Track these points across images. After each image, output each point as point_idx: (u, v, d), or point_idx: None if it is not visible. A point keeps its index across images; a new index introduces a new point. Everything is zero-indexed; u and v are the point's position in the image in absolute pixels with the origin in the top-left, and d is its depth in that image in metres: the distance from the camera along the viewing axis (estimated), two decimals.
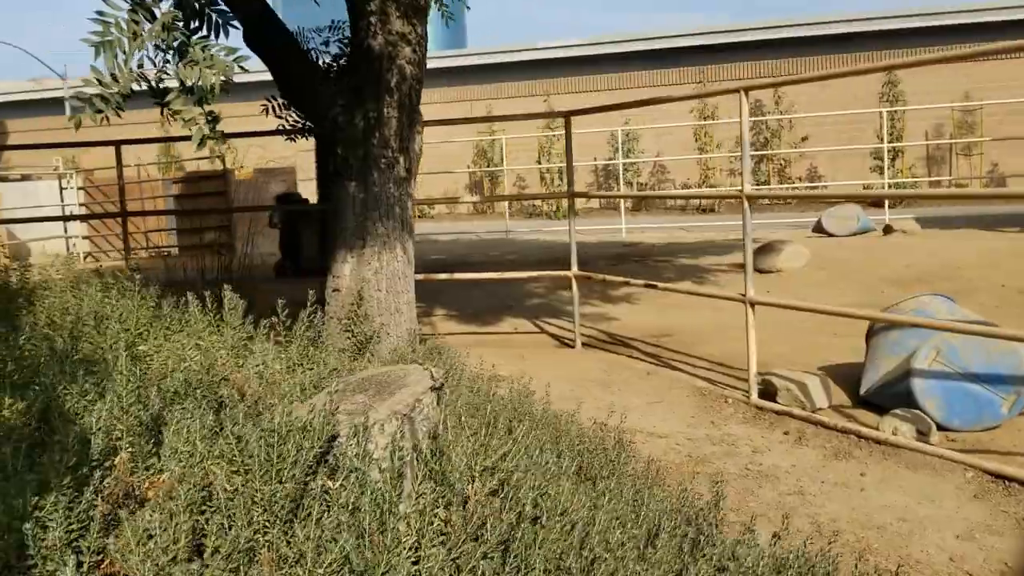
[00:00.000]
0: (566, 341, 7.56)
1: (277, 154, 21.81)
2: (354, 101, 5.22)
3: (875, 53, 21.47)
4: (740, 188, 5.88)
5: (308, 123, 5.53)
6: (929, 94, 20.36)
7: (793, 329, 7.50)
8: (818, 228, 14.27)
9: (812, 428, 5.37)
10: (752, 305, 5.89)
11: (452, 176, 23.04)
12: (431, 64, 26.01)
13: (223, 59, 3.36)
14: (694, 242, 14.56)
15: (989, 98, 19.13)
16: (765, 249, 10.80)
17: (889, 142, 20.77)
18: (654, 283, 6.67)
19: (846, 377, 6.04)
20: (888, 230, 12.68)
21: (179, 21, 3.44)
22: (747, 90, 5.66)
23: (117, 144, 8.03)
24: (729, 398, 5.95)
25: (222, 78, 3.35)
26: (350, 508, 2.23)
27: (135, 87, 3.47)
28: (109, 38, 3.36)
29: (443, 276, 7.31)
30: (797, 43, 22.47)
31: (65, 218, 11.77)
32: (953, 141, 20.53)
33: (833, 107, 20.60)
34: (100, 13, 3.39)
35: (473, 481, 2.42)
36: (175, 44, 3.54)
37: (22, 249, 18.81)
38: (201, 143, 3.43)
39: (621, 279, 7.24)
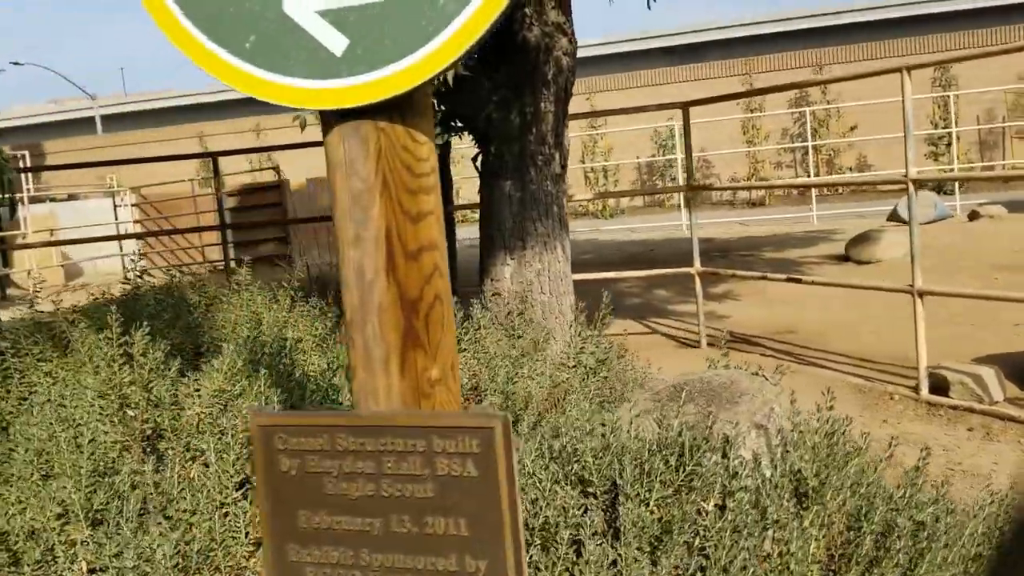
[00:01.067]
0: (686, 341, 7.31)
1: (323, 163, 21.63)
2: (510, 96, 4.99)
3: (924, 39, 21.13)
4: (905, 173, 5.63)
5: (457, 120, 5.30)
6: (980, 78, 19.99)
7: (928, 321, 7.22)
8: (894, 216, 13.95)
9: (999, 423, 5.10)
10: (921, 295, 5.63)
11: None
12: None
13: None
14: (767, 235, 14.29)
15: None
16: (862, 239, 10.52)
17: (943, 127, 20.42)
18: (797, 277, 6.43)
19: (1010, 368, 5.76)
20: (974, 216, 12.36)
21: None
22: (909, 69, 5.42)
23: (214, 156, 7.84)
24: (894, 395, 5.68)
25: None
26: (745, 532, 1.98)
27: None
28: None
29: (592, 276, 6.97)
30: (845, 29, 22.14)
31: (138, 235, 11.58)
32: (1006, 125, 20.14)
33: (882, 95, 20.23)
34: None
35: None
36: None
37: (73, 269, 18.74)
38: None
39: (755, 274, 6.99)
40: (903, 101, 5.46)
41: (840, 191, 21.77)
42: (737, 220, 18.49)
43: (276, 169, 15.11)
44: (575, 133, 21.77)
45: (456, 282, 8.49)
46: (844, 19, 22.14)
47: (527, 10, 4.93)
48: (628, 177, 23.14)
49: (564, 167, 5.20)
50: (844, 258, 10.63)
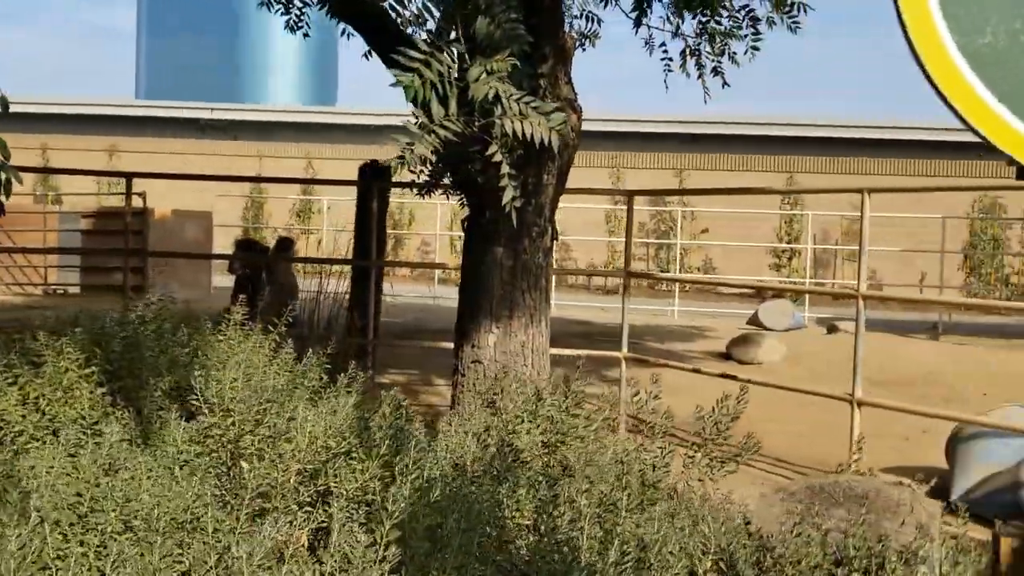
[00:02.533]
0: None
1: (189, 197, 20.46)
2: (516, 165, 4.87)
3: (777, 157, 22.90)
4: (856, 287, 5.94)
5: (452, 179, 5.10)
6: (820, 200, 21.79)
7: (832, 427, 7.56)
8: (753, 321, 14.75)
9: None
10: (859, 405, 5.89)
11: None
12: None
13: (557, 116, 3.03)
14: (638, 324, 14.71)
15: (874, 209, 20.69)
16: (743, 340, 11.04)
17: (787, 242, 22.00)
18: (732, 375, 6.57)
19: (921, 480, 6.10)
20: (832, 329, 13.25)
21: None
22: (870, 191, 5.78)
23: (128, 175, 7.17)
24: None
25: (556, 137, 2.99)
26: None
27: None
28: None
29: None
30: (707, 139, 23.61)
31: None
32: (838, 247, 22.01)
33: (732, 203, 21.57)
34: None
35: None
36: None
37: None
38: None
39: (687, 367, 7.10)
40: (861, 221, 5.79)
41: (687, 288, 22.85)
42: (599, 305, 18.97)
43: (142, 196, 14.08)
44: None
45: (377, 337, 8.10)
46: (709, 129, 23.68)
47: (542, 82, 4.87)
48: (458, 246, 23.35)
49: (555, 240, 5.11)
50: (727, 356, 11.09)
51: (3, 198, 3.47)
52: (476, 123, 3.18)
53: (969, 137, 1.34)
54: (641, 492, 2.29)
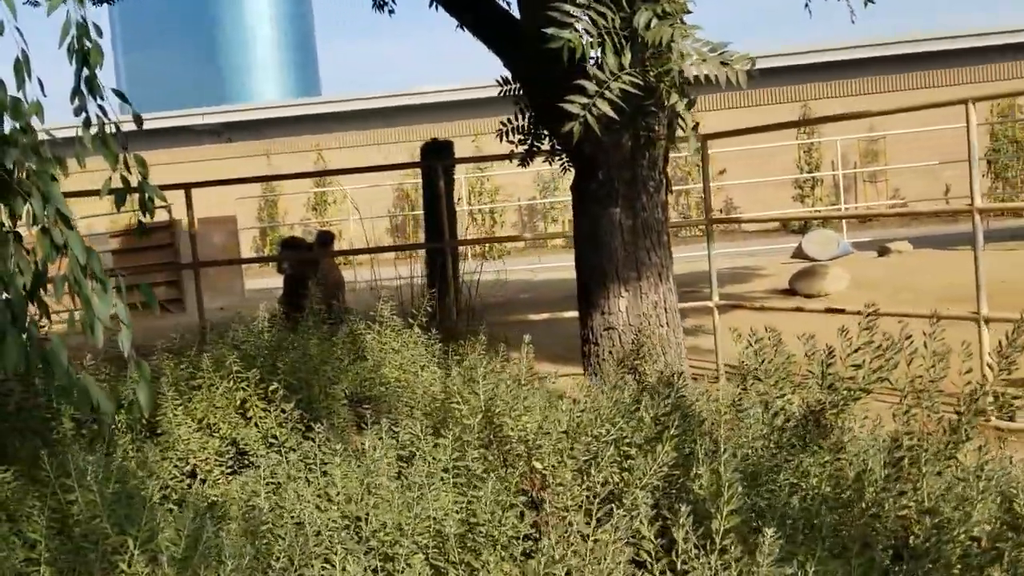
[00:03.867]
0: (704, 375, 7.15)
1: (207, 204, 20.24)
2: (627, 120, 4.65)
3: (798, 87, 22.56)
4: (971, 202, 5.75)
5: (558, 145, 4.90)
6: (835, 128, 21.50)
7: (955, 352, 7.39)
8: (798, 254, 14.56)
9: None
10: (987, 322, 5.75)
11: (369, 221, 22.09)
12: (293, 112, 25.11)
13: (738, 55, 2.81)
14: (689, 273, 14.53)
15: (891, 127, 20.43)
16: (805, 274, 10.86)
17: (808, 171, 21.75)
18: (839, 308, 6.39)
19: None
20: (884, 251, 13.07)
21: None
22: (975, 101, 5.57)
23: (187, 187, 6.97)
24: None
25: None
26: None
27: None
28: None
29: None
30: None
31: None
32: (857, 170, 21.74)
33: (747, 140, 21.32)
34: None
35: None
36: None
37: None
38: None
39: (789, 306, 6.93)
40: (968, 132, 5.59)
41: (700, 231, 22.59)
42: None
43: (167, 208, 13.87)
44: (463, 175, 21.54)
45: (459, 316, 7.93)
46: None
47: None
48: (510, 220, 23.12)
49: (670, 193, 4.92)
50: (791, 291, 10.92)
51: (147, 216, 3.27)
52: (651, 72, 2.97)
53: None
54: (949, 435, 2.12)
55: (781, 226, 22.04)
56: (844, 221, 18.90)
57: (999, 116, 20.98)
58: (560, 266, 18.69)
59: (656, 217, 4.79)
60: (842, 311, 6.51)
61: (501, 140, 4.99)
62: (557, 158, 5.07)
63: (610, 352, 4.69)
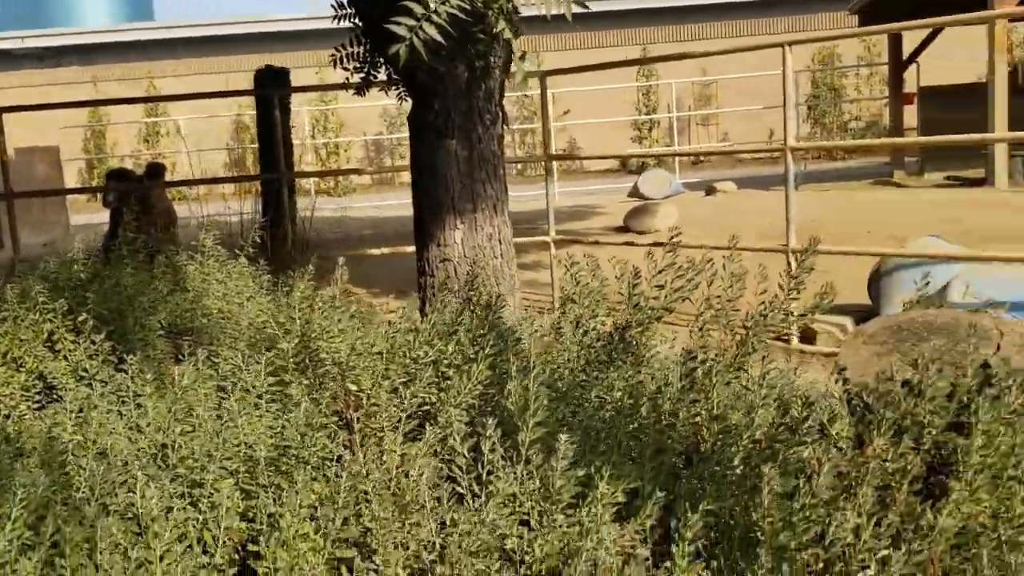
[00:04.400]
0: (542, 308, 7.36)
1: (33, 132, 18.66)
2: (458, 47, 4.63)
3: (640, 31, 23.00)
4: (784, 141, 6.09)
5: (395, 75, 4.82)
6: (674, 66, 22.20)
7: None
8: (634, 193, 15.07)
9: None
10: (794, 253, 6.15)
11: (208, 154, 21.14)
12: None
13: None
14: (532, 211, 14.75)
15: (722, 72, 21.30)
16: (638, 212, 11.27)
17: (646, 114, 22.40)
18: (661, 242, 6.67)
19: (858, 319, 6.49)
20: (711, 191, 13.71)
21: None
22: (791, 44, 5.87)
23: None
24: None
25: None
26: None
27: None
28: None
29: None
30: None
31: None
32: (692, 113, 22.62)
33: (590, 82, 21.68)
34: None
35: None
36: None
37: None
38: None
39: (618, 240, 7.17)
40: (783, 76, 5.90)
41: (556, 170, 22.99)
42: None
43: None
44: (306, 107, 20.85)
45: (294, 249, 7.74)
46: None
47: None
48: (356, 155, 22.67)
49: (506, 126, 4.96)
50: (624, 228, 11.31)
51: None
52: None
53: None
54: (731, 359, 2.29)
55: (621, 166, 22.70)
56: (677, 162, 19.65)
57: (820, 63, 22.22)
58: (407, 203, 18.57)
59: (492, 150, 4.83)
60: (662, 244, 6.83)
61: (335, 67, 4.87)
62: (394, 87, 5.00)
63: (444, 283, 4.73)
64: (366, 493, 1.85)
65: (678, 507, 1.88)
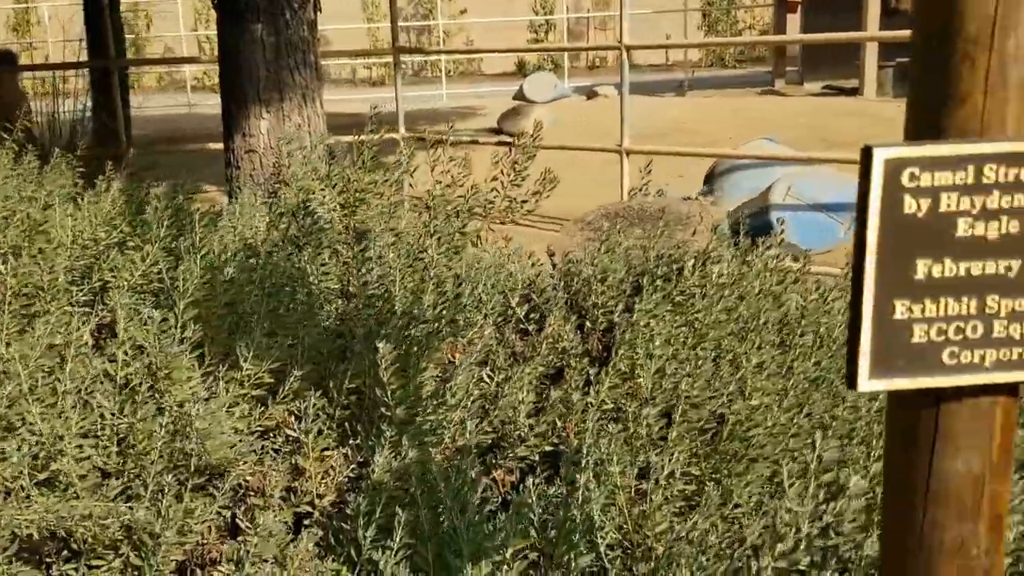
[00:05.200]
0: None
1: None
2: None
3: None
4: (619, 40, 6.03)
5: None
6: None
7: (605, 183, 7.93)
8: (519, 96, 14.89)
9: None
10: (628, 154, 6.19)
11: None
12: None
13: None
14: (415, 110, 14.44)
15: None
16: (511, 114, 11.16)
17: (543, 15, 22.01)
18: (507, 142, 6.61)
19: None
20: (592, 95, 13.66)
21: None
22: None
23: None
24: None
25: None
26: None
27: None
28: None
29: None
30: None
31: None
32: (589, 15, 22.33)
33: None
34: None
35: None
36: None
37: None
38: None
39: (466, 139, 7.07)
40: None
41: (451, 73, 22.57)
42: (367, 97, 18.41)
43: None
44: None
45: (131, 143, 7.41)
46: None
47: None
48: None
49: (318, 11, 4.75)
50: (498, 131, 11.21)
51: None
52: None
53: None
54: (448, 241, 2.29)
55: (518, 68, 22.35)
56: (568, 66, 19.43)
57: None
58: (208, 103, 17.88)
59: (301, 35, 4.62)
60: (509, 145, 6.77)
61: None
62: None
63: (251, 175, 4.59)
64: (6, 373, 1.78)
65: (331, 387, 1.87)
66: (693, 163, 7.76)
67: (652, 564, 1.60)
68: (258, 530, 1.63)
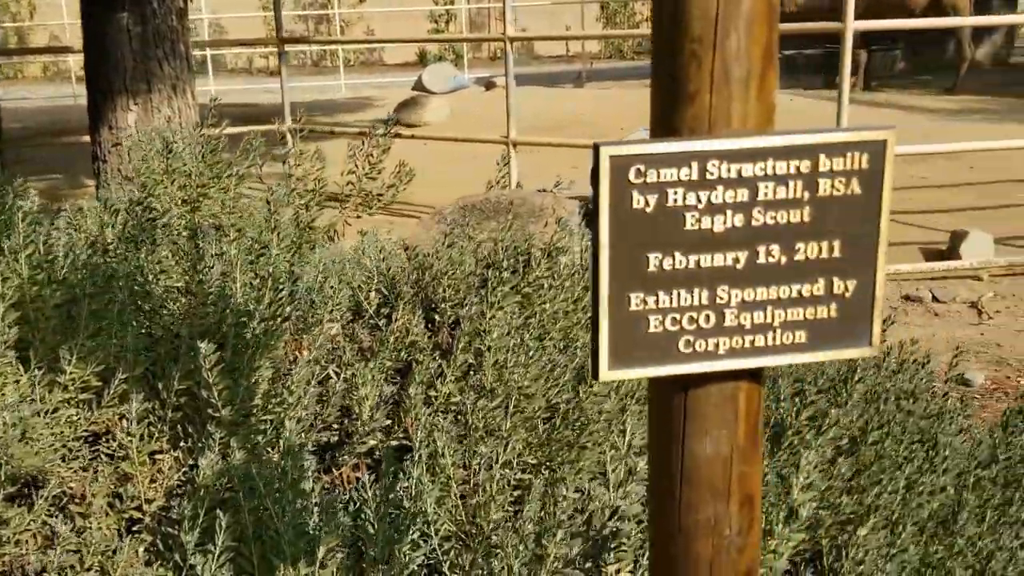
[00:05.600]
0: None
1: None
2: None
3: None
4: (503, 32, 6.05)
5: None
6: None
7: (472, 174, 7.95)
8: (418, 86, 14.81)
9: None
10: (515, 146, 6.23)
11: None
12: None
13: None
14: (310, 101, 14.17)
15: None
16: (408, 104, 11.08)
17: (443, 5, 21.91)
18: (398, 132, 6.57)
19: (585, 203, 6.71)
20: (490, 85, 13.68)
21: None
22: None
23: None
24: None
25: None
26: None
27: None
28: None
29: None
30: None
31: None
32: (490, 5, 22.35)
33: None
34: None
35: None
36: None
37: None
38: None
39: (354, 130, 6.99)
40: None
41: (352, 64, 22.29)
42: (262, 86, 18.03)
43: None
44: None
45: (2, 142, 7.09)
46: None
47: None
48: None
49: (186, 0, 4.62)
50: (396, 121, 11.11)
51: None
52: None
53: None
54: (297, 236, 2.26)
55: (419, 59, 22.20)
56: (468, 57, 19.43)
57: None
58: None
59: (170, 24, 4.49)
60: (398, 135, 6.74)
61: None
62: None
63: (119, 170, 4.44)
64: None
65: (163, 389, 1.83)
66: (588, 154, 7.87)
67: (479, 553, 1.63)
68: (81, 537, 1.60)
